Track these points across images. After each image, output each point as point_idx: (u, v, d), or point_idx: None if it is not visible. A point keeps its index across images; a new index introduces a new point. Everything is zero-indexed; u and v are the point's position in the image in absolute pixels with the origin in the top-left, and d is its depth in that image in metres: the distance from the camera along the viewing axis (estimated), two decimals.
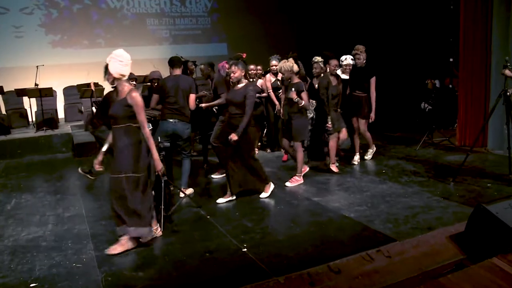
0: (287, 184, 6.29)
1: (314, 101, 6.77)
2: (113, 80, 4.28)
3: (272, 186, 5.93)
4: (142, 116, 4.24)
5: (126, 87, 4.30)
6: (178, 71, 5.99)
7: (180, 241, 4.60)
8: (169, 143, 5.77)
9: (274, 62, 7.75)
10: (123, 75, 4.26)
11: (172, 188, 5.77)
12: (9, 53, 11.87)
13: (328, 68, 6.73)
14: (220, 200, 5.72)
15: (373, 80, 7.10)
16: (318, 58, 6.98)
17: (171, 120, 5.80)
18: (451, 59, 10.03)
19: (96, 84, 10.56)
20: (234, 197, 5.77)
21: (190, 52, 13.11)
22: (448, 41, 9.95)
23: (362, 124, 7.23)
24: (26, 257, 4.37)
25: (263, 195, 5.85)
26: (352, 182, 6.40)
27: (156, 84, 7.13)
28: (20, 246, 4.65)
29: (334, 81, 6.69)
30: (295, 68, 6.00)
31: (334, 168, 6.83)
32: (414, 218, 4.95)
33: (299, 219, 5.13)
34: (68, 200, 6.17)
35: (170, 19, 13.88)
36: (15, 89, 10.46)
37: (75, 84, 11.33)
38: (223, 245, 4.48)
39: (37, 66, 11.31)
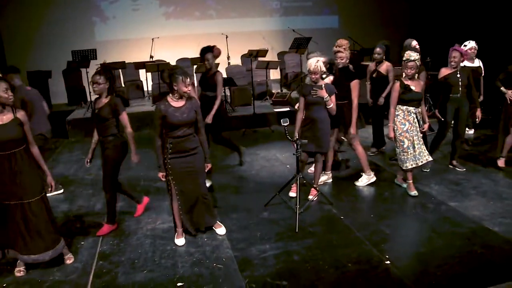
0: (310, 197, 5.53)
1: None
2: None
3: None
4: None
5: None
6: None
7: (319, 245, 4.40)
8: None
9: (414, 43, 6.87)
10: None
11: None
12: (127, 26, 12.32)
13: None
14: (180, 242, 4.58)
15: (355, 84, 5.62)
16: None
17: None
18: None
19: None
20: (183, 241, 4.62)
21: (301, 25, 12.77)
22: None
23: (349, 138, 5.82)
24: (167, 250, 4.43)
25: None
26: (487, 185, 5.80)
27: None
28: (158, 236, 4.74)
29: None
30: (324, 69, 5.28)
31: (501, 163, 6.31)
32: None
33: (439, 229, 4.69)
34: None
35: None
36: (134, 63, 10.78)
37: (187, 57, 11.46)
38: (364, 254, 4.21)
39: (152, 39, 11.62)
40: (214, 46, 6.66)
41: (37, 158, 4.08)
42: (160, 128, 4.33)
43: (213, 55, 6.38)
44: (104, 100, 4.59)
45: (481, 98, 7.14)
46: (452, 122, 6.22)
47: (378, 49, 6.83)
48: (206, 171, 4.62)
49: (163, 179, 4.45)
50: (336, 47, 5.78)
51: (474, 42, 6.85)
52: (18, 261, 4.09)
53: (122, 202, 5.66)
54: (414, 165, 5.44)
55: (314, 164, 5.72)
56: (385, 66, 6.85)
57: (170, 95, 4.34)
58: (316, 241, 4.50)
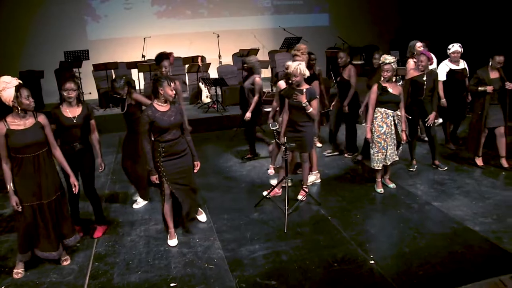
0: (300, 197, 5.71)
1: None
2: None
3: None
4: None
5: None
6: None
7: (306, 245, 4.59)
8: None
9: (419, 45, 7.06)
10: None
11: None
12: (118, 24, 12.38)
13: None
14: (172, 243, 4.76)
15: (315, 85, 5.98)
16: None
17: None
18: None
19: (202, 59, 10.71)
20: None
21: (291, 23, 12.93)
22: None
23: None
24: (160, 251, 4.59)
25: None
26: (471, 185, 5.99)
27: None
28: (151, 237, 4.90)
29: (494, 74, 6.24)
30: (307, 73, 5.35)
31: (479, 161, 6.58)
32: None
33: (422, 229, 4.88)
34: None
35: None
36: (125, 63, 10.87)
37: (180, 56, 11.55)
38: (350, 254, 4.40)
39: (144, 38, 11.70)
40: (171, 53, 6.64)
41: (60, 159, 4.29)
42: (149, 133, 4.48)
43: (170, 62, 6.22)
44: (78, 108, 4.66)
45: (470, 98, 7.26)
46: (420, 122, 6.49)
47: (341, 53, 6.86)
48: (196, 170, 4.77)
49: (157, 181, 4.60)
50: (293, 50, 6.00)
51: (458, 44, 6.99)
52: (17, 262, 4.24)
53: (118, 203, 5.81)
54: (388, 163, 5.70)
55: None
56: (347, 71, 6.81)
57: (156, 100, 4.48)
58: (304, 241, 4.68)
